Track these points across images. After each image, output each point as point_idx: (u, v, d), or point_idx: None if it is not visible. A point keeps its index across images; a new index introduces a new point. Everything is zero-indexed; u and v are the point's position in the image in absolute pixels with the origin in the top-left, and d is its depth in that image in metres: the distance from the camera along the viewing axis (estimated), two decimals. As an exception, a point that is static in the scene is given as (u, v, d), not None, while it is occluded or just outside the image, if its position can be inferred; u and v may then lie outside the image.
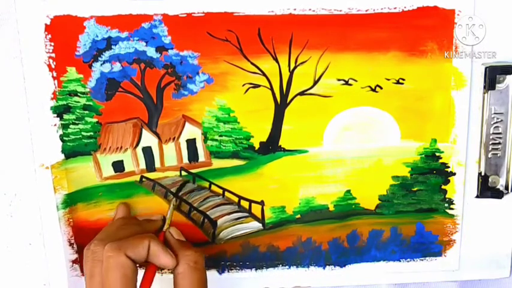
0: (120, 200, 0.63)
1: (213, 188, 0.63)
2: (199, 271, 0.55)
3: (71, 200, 0.62)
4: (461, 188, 0.63)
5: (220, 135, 0.61)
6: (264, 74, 0.60)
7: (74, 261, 0.64)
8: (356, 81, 0.60)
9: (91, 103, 0.60)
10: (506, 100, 0.60)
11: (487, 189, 0.63)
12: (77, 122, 0.60)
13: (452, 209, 0.64)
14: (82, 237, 0.63)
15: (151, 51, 0.59)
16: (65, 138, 0.60)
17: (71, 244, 0.63)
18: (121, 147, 0.62)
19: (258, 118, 0.61)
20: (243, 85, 0.60)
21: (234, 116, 0.61)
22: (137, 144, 0.62)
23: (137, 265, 0.53)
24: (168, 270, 0.63)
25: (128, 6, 0.57)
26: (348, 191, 0.64)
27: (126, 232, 0.56)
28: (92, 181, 0.62)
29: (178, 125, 0.61)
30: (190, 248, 0.56)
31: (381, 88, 0.60)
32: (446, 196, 0.64)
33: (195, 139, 0.62)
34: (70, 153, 0.61)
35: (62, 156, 0.60)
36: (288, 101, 0.60)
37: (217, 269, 0.65)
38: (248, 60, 0.59)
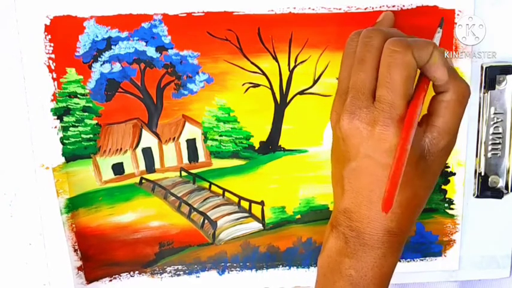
0: (120, 203, 0.63)
1: (213, 188, 0.63)
2: (463, 107, 0.49)
3: (73, 205, 0.62)
4: (461, 188, 0.63)
5: (220, 135, 0.61)
6: (263, 74, 0.60)
7: (79, 268, 0.63)
8: (356, 80, 0.60)
9: (90, 104, 0.60)
10: (506, 100, 0.60)
11: (487, 189, 0.63)
12: (76, 124, 0.60)
13: (452, 209, 0.64)
14: (84, 243, 0.63)
15: (151, 51, 0.59)
16: (65, 141, 0.60)
17: (75, 250, 0.63)
18: (121, 149, 0.61)
19: (258, 118, 0.61)
20: (243, 84, 0.60)
21: (234, 115, 0.61)
22: (137, 145, 0.61)
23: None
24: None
25: (128, 6, 0.57)
26: (348, 191, 0.64)
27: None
28: (92, 185, 0.62)
29: (178, 125, 0.61)
30: (460, 78, 0.50)
31: (381, 88, 0.60)
32: (446, 196, 0.64)
33: (195, 139, 0.62)
34: (70, 156, 0.60)
35: (63, 160, 0.60)
36: (287, 100, 0.60)
37: (218, 270, 0.65)
38: (248, 60, 0.59)
